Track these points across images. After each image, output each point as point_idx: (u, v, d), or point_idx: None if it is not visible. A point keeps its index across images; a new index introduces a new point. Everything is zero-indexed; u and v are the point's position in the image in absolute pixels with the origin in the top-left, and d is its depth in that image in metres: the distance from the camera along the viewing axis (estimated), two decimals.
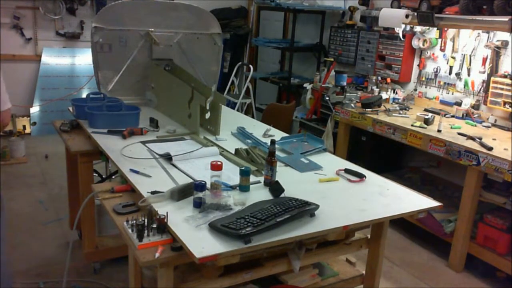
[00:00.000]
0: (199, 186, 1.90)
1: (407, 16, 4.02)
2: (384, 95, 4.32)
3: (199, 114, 2.89)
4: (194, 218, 1.81)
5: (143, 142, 2.70)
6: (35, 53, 5.91)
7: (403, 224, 3.67)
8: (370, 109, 4.01)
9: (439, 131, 3.46)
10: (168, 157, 2.42)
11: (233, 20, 6.63)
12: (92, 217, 2.92)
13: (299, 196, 1.99)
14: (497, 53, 3.67)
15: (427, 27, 4.14)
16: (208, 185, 1.99)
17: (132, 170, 2.25)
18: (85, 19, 6.00)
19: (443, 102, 4.12)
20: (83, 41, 6.06)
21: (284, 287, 2.29)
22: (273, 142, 2.20)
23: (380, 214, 2.02)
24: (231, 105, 5.70)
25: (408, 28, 4.34)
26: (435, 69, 4.21)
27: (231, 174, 2.25)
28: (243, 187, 2.11)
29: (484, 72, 3.79)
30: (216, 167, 1.98)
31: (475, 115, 3.80)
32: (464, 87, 3.96)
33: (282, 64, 6.48)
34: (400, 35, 4.31)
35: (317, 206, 1.91)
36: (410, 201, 2.18)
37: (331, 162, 2.60)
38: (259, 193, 2.10)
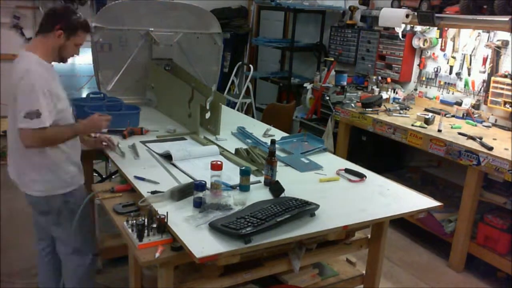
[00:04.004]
0: (199, 186, 1.90)
1: (407, 16, 4.01)
2: (385, 95, 4.31)
3: (199, 114, 2.89)
4: (194, 218, 1.81)
5: (143, 142, 2.70)
6: None
7: (403, 224, 3.66)
8: (371, 109, 4.00)
9: (439, 131, 3.45)
10: (168, 157, 2.42)
11: (233, 20, 6.61)
12: (92, 217, 2.91)
13: (299, 196, 1.99)
14: (497, 52, 3.66)
15: (428, 27, 4.14)
16: (208, 185, 1.99)
17: (136, 177, 2.18)
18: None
19: (443, 102, 4.12)
20: None
21: (284, 287, 2.29)
22: (273, 142, 2.20)
23: (380, 214, 2.01)
24: (231, 105, 5.70)
25: (408, 27, 4.34)
26: (436, 69, 4.20)
27: (231, 174, 2.24)
28: (243, 187, 2.11)
29: (484, 72, 3.79)
30: (216, 167, 1.98)
31: (476, 115, 3.79)
32: (465, 87, 3.96)
33: (282, 64, 6.47)
34: (400, 35, 4.31)
35: (317, 206, 1.91)
36: (410, 201, 2.18)
37: (331, 162, 2.60)
38: (259, 193, 2.10)
